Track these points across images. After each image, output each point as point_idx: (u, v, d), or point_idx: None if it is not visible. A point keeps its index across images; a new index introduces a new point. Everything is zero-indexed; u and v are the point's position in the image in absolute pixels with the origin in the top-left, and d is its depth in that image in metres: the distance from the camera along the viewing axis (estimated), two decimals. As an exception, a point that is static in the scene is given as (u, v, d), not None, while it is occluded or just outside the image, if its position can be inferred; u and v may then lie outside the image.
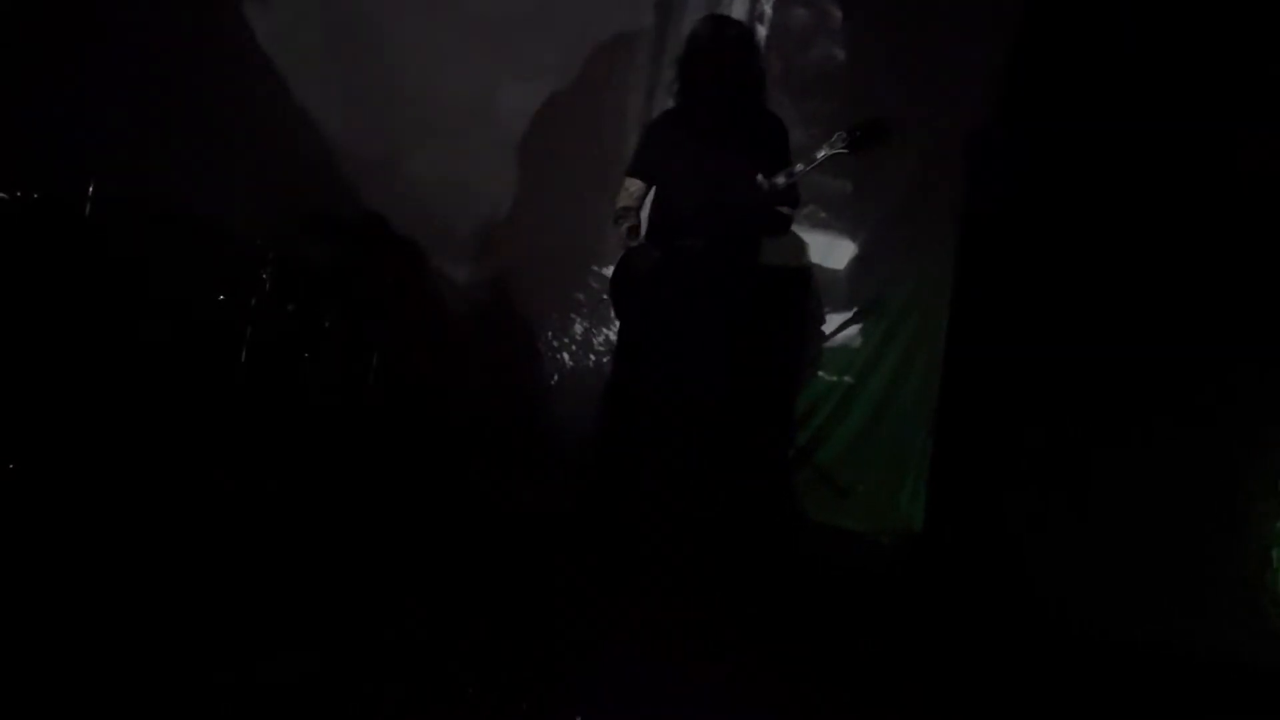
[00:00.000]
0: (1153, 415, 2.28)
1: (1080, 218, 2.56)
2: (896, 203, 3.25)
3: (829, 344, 3.27)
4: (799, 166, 2.18)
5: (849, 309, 3.29)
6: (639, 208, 2.38)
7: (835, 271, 3.32)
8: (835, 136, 2.14)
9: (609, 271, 2.55)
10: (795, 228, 3.32)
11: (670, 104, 2.44)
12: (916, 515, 3.05)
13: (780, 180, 2.16)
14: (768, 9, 3.27)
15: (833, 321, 3.27)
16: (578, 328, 3.16)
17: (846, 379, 3.29)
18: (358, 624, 1.61)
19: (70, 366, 2.30)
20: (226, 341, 2.56)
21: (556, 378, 3.26)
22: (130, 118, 2.78)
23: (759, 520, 2.76)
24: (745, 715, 1.49)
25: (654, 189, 2.37)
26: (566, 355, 3.26)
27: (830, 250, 3.37)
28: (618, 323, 2.57)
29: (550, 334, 3.26)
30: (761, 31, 3.30)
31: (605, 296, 2.59)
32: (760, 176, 2.17)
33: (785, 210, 2.33)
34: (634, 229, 2.34)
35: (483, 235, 3.29)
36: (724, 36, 2.25)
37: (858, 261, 3.33)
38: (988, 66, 2.95)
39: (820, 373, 3.29)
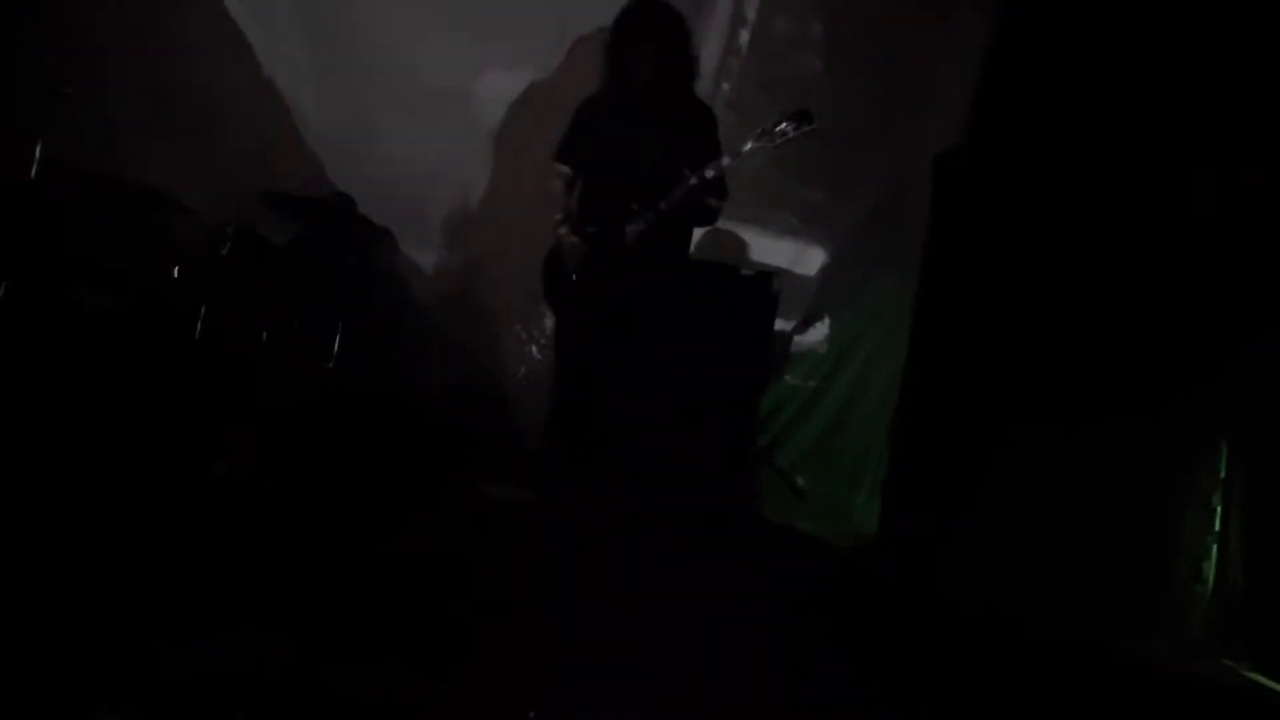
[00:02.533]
0: (1101, 420, 2.35)
1: (1040, 240, 2.64)
2: (867, 214, 3.32)
3: (795, 349, 3.31)
4: (725, 160, 2.18)
5: (817, 315, 3.34)
6: (568, 194, 2.34)
7: (805, 278, 3.37)
8: (760, 131, 2.13)
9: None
10: (766, 233, 3.39)
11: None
12: (870, 520, 3.11)
13: (708, 173, 2.15)
14: (750, 14, 3.30)
15: (799, 327, 3.32)
16: (548, 321, 3.13)
17: (810, 383, 3.34)
18: (315, 608, 1.57)
19: (11, 333, 2.19)
20: (180, 316, 2.47)
21: (524, 370, 3.24)
22: (86, 80, 2.66)
23: (716, 516, 2.77)
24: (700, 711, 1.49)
25: (581, 175, 2.32)
26: (534, 348, 3.24)
27: (800, 256, 3.43)
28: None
29: (519, 326, 3.24)
30: (744, 36, 3.34)
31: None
32: (686, 169, 2.15)
33: (713, 202, 2.30)
34: (566, 218, 2.30)
35: (454, 222, 3.25)
36: (654, 21, 2.22)
37: (827, 269, 3.39)
38: (958, 89, 3.03)
39: (786, 376, 3.34)
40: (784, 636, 1.91)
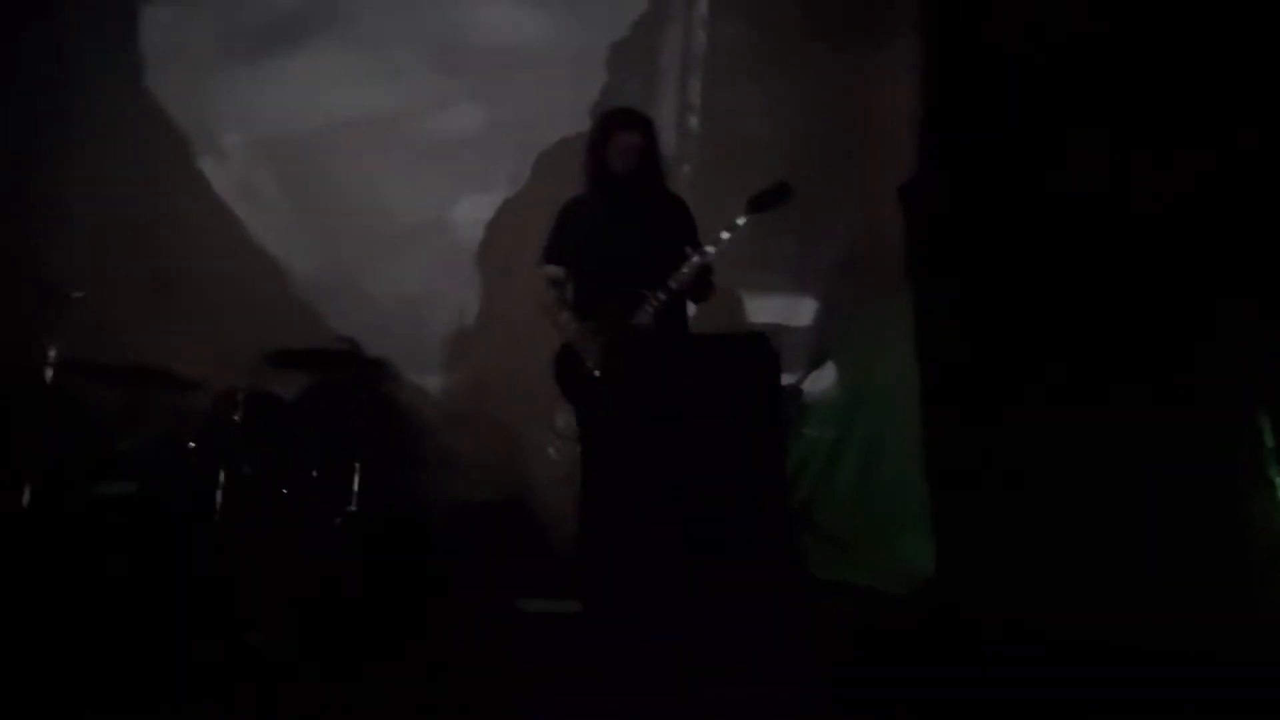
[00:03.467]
0: (1127, 410, 2.30)
1: (1027, 241, 2.67)
2: (842, 254, 3.37)
3: (808, 400, 3.29)
4: (724, 234, 2.26)
5: (819, 364, 3.34)
6: (562, 292, 2.42)
7: (799, 329, 3.39)
8: (748, 204, 2.25)
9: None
10: (755, 294, 3.44)
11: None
12: (923, 561, 2.98)
13: (709, 249, 2.24)
14: (695, 99, 3.50)
15: (804, 378, 3.30)
16: (560, 420, 3.14)
17: (830, 432, 3.29)
18: None
19: (43, 529, 2.22)
20: (201, 487, 2.49)
21: (545, 473, 3.21)
22: (89, 277, 2.82)
23: (766, 587, 2.67)
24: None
25: (574, 274, 2.40)
26: (552, 450, 3.23)
27: (790, 309, 3.46)
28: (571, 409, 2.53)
29: (535, 429, 3.24)
30: (693, 120, 3.52)
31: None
32: (688, 248, 2.26)
33: (711, 279, 2.39)
34: (570, 314, 2.36)
35: (452, 344, 3.33)
36: (632, 118, 2.41)
37: (818, 316, 3.41)
38: (902, 117, 3.14)
39: (805, 430, 3.30)
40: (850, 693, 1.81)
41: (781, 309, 3.43)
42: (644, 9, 3.42)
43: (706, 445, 2.42)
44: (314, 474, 2.69)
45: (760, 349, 2.90)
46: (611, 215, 2.34)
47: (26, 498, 2.29)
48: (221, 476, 2.49)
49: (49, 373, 2.46)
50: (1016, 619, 2.29)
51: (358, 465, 2.73)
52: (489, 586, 2.60)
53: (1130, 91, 2.42)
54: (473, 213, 3.41)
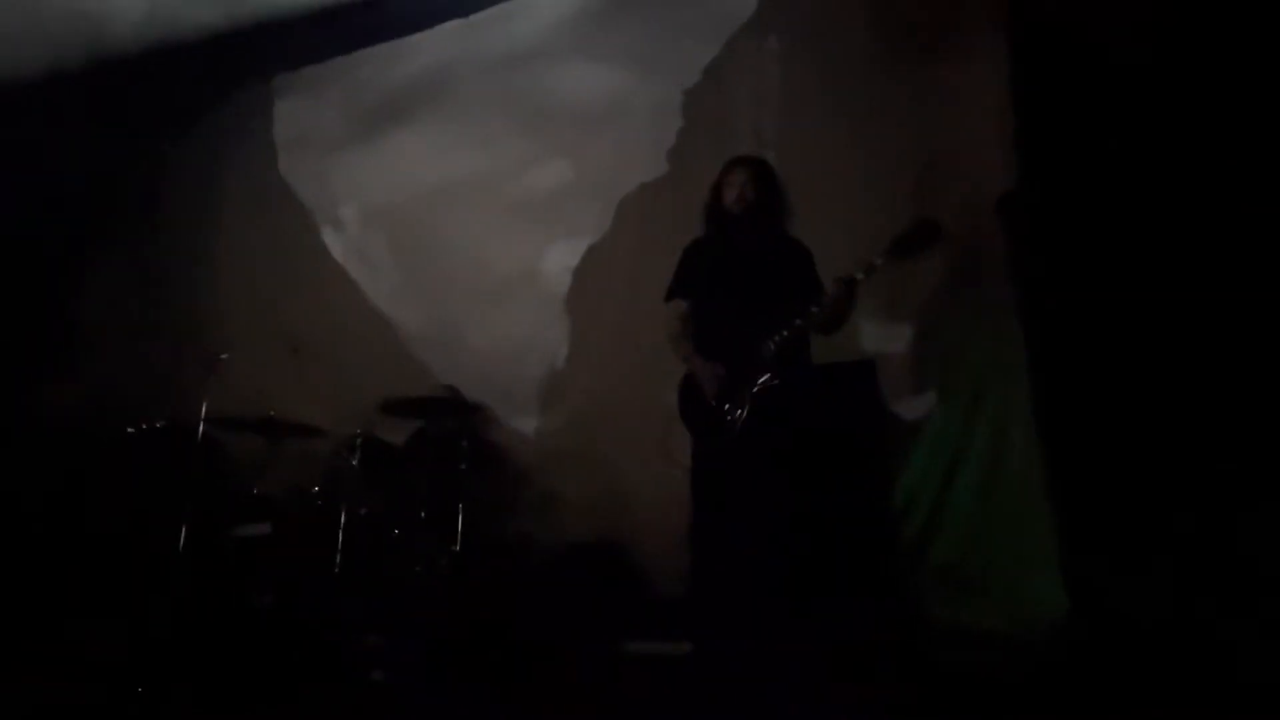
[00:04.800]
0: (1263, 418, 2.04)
1: (1132, 243, 2.48)
2: (943, 275, 3.23)
3: (915, 428, 3.13)
4: (859, 273, 2.27)
5: (921, 390, 3.18)
6: (688, 326, 2.48)
7: (898, 356, 3.26)
8: (891, 243, 2.26)
9: (670, 394, 2.59)
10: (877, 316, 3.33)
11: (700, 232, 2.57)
12: (1054, 601, 2.73)
13: (842, 285, 2.27)
14: (771, 135, 3.52)
15: (908, 406, 3.15)
16: (648, 457, 3.17)
17: (941, 464, 3.10)
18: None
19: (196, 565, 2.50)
20: (324, 527, 2.72)
21: (642, 513, 3.23)
22: (234, 340, 3.18)
23: (879, 634, 2.54)
24: None
25: (695, 308, 2.47)
26: (651, 481, 3.24)
27: (888, 336, 3.34)
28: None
29: (634, 462, 3.26)
30: (770, 156, 3.54)
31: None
32: (830, 283, 2.29)
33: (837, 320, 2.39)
34: (690, 347, 2.42)
35: (545, 387, 3.46)
36: (747, 159, 2.52)
37: (917, 341, 3.26)
38: (1000, 130, 3.01)
39: (912, 460, 3.14)
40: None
41: (877, 336, 3.33)
42: (715, 54, 3.51)
43: (812, 477, 2.39)
44: (422, 515, 2.87)
45: (864, 378, 2.84)
46: (726, 254, 2.43)
47: (183, 538, 2.59)
48: (342, 517, 2.72)
49: (201, 426, 2.80)
50: (1162, 667, 2.06)
51: (461, 506, 2.88)
52: (593, 627, 2.63)
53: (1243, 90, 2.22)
54: (561, 261, 3.57)
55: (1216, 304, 2.23)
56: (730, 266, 2.41)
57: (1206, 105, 2.32)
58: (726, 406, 2.29)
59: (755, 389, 2.27)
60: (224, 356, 2.98)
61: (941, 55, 3.15)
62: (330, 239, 3.95)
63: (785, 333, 2.27)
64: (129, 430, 2.86)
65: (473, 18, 3.97)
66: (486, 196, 3.71)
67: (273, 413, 3.02)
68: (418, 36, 4.02)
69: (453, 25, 3.99)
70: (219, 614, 2.41)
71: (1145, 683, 2.04)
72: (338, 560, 2.66)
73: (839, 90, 3.30)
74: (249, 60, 4.05)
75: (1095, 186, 2.56)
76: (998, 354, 3.04)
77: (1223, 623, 2.04)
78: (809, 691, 1.97)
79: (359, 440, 2.90)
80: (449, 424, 3.10)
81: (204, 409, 2.82)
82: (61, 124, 3.79)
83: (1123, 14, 2.53)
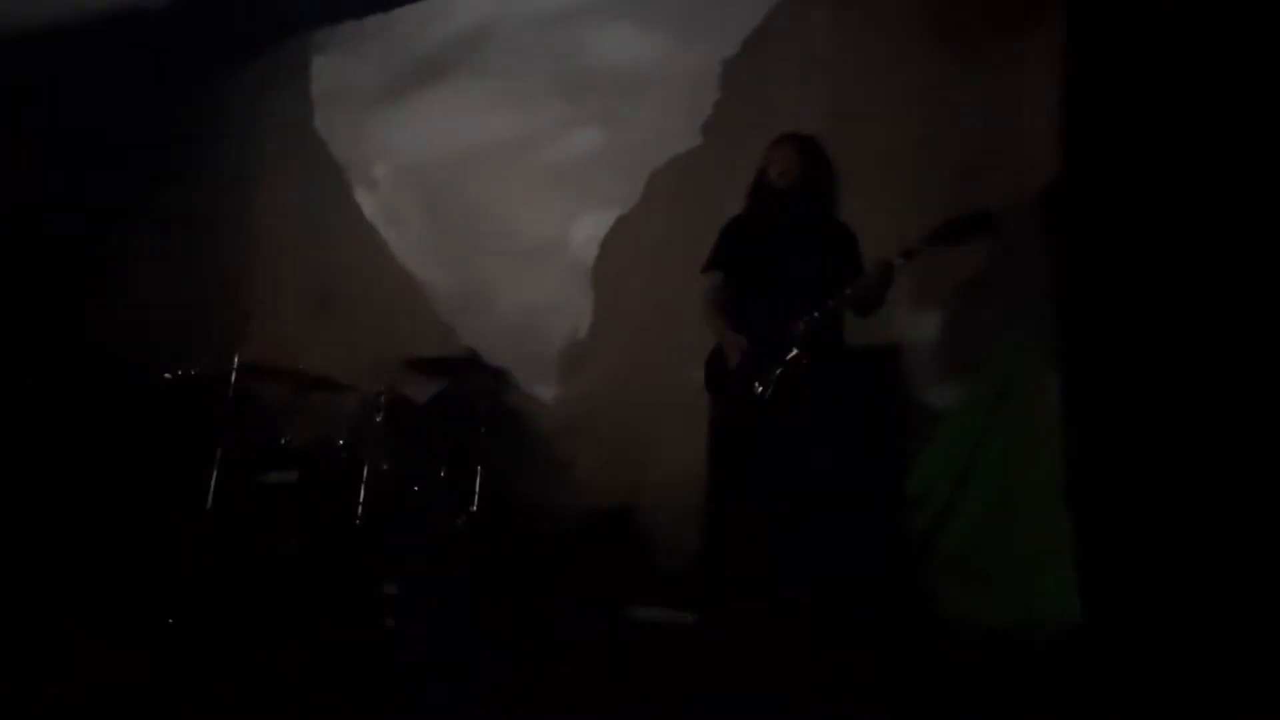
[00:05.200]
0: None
1: (1179, 242, 2.40)
2: (979, 264, 3.16)
3: (936, 417, 3.10)
4: (898, 259, 2.24)
5: (946, 378, 3.14)
6: (722, 298, 2.49)
7: (926, 344, 3.22)
8: (938, 228, 2.25)
9: (691, 370, 2.60)
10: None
11: (742, 209, 2.54)
12: (1070, 602, 2.71)
13: (871, 282, 2.25)
14: (814, 110, 3.42)
15: (932, 393, 3.12)
16: (664, 430, 3.19)
17: (960, 455, 3.08)
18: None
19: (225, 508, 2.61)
20: (348, 479, 2.81)
21: (663, 475, 3.25)
22: (267, 295, 3.25)
23: (881, 622, 2.56)
24: None
25: (731, 282, 2.46)
26: (666, 456, 3.27)
27: (916, 322, 3.29)
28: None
29: (650, 435, 3.29)
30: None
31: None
32: (873, 261, 2.28)
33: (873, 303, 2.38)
34: (722, 320, 2.43)
35: (567, 356, 3.49)
36: (795, 136, 2.46)
37: (947, 329, 3.21)
38: (1050, 118, 2.92)
39: (930, 448, 3.11)
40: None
41: (905, 321, 3.28)
42: (756, 24, 3.43)
43: (830, 458, 2.40)
44: (441, 473, 2.95)
45: (886, 363, 2.82)
46: (766, 230, 2.41)
47: (214, 482, 2.70)
48: (365, 471, 2.80)
49: (234, 376, 2.89)
50: (1174, 675, 2.05)
51: (479, 468, 2.95)
52: (601, 592, 2.69)
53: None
54: (590, 230, 3.56)
55: (1261, 307, 2.16)
56: (769, 243, 2.39)
57: (1265, 103, 2.22)
58: (753, 382, 2.30)
59: (782, 367, 2.27)
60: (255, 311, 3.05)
61: (996, 36, 3.04)
62: (362, 197, 3.98)
63: (817, 314, 2.26)
64: (165, 375, 2.95)
65: (510, -23, 3.92)
66: (519, 160, 3.69)
67: (302, 365, 3.10)
68: (455, -5, 3.98)
69: (490, -16, 3.94)
70: (244, 556, 2.52)
71: (1155, 689, 2.04)
72: (359, 512, 2.75)
73: (886, 67, 3.21)
74: (289, 13, 4.05)
75: (1146, 182, 2.47)
76: (1030, 348, 2.99)
77: (1240, 630, 2.02)
78: (811, 668, 2.01)
79: (383, 397, 2.97)
80: (470, 386, 3.15)
81: (236, 359, 2.90)
82: (104, 70, 3.84)
83: (1184, 5, 2.41)
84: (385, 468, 2.90)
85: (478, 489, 2.92)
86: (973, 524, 2.92)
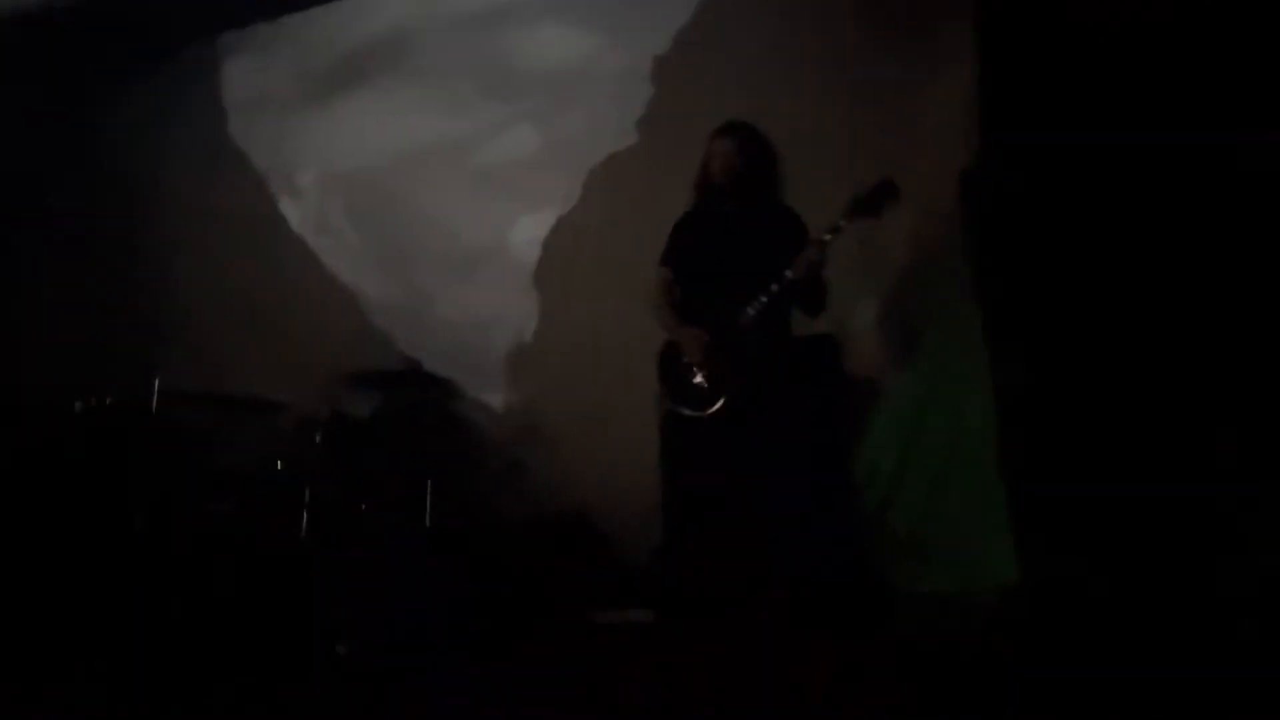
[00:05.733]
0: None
1: (1086, 224, 2.54)
2: (909, 250, 3.26)
3: (876, 403, 3.20)
4: (827, 235, 2.28)
5: (884, 362, 3.24)
6: (673, 293, 2.50)
7: (862, 330, 3.31)
8: (851, 204, 2.28)
9: (639, 367, 2.59)
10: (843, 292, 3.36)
11: (690, 206, 2.56)
12: (1006, 566, 2.85)
13: (814, 252, 2.27)
14: (741, 104, 3.48)
15: (875, 380, 3.21)
16: (615, 430, 3.18)
17: (900, 435, 3.19)
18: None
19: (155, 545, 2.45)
20: (289, 505, 2.68)
21: (608, 484, 3.25)
22: (185, 312, 3.06)
23: (841, 595, 2.62)
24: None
25: (679, 280, 2.48)
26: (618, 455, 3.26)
27: (853, 309, 3.38)
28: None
29: (601, 435, 3.27)
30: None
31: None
32: (797, 251, 2.30)
33: (817, 289, 2.41)
34: (672, 315, 2.45)
35: (514, 360, 3.43)
36: (734, 126, 2.47)
37: (881, 313, 3.31)
38: (961, 96, 3.02)
39: (873, 432, 3.21)
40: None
41: (842, 309, 3.37)
42: (684, 21, 3.44)
43: (775, 449, 2.43)
44: (390, 491, 2.84)
45: (824, 351, 2.88)
46: (713, 224, 2.42)
47: (139, 517, 2.52)
48: (306, 494, 2.67)
49: (154, 401, 2.71)
50: (1106, 629, 2.16)
51: (429, 482, 2.86)
52: (561, 598, 2.66)
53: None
54: (530, 232, 3.51)
55: (1176, 281, 2.30)
56: (716, 236, 2.40)
57: (1175, 84, 2.36)
58: (707, 373, 2.31)
59: (735, 359, 2.29)
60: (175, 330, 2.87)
61: (916, 22, 3.14)
62: (288, 206, 3.80)
63: (763, 299, 2.28)
64: (76, 406, 2.74)
65: (434, -24, 3.82)
66: (452, 164, 3.61)
67: (230, 387, 2.94)
68: (376, -6, 3.85)
69: (413, -17, 3.83)
70: (182, 592, 2.36)
71: (1091, 649, 2.14)
72: (302, 537, 2.62)
73: (810, 58, 3.28)
74: (196, 16, 3.83)
75: (1058, 165, 2.60)
76: (957, 327, 3.12)
77: (1168, 594, 2.14)
78: (775, 658, 2.03)
79: (322, 416, 2.85)
80: (414, 398, 3.06)
81: (156, 384, 2.72)
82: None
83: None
84: (329, 489, 2.77)
85: (429, 504, 2.84)
86: (916, 502, 3.03)
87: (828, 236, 2.29)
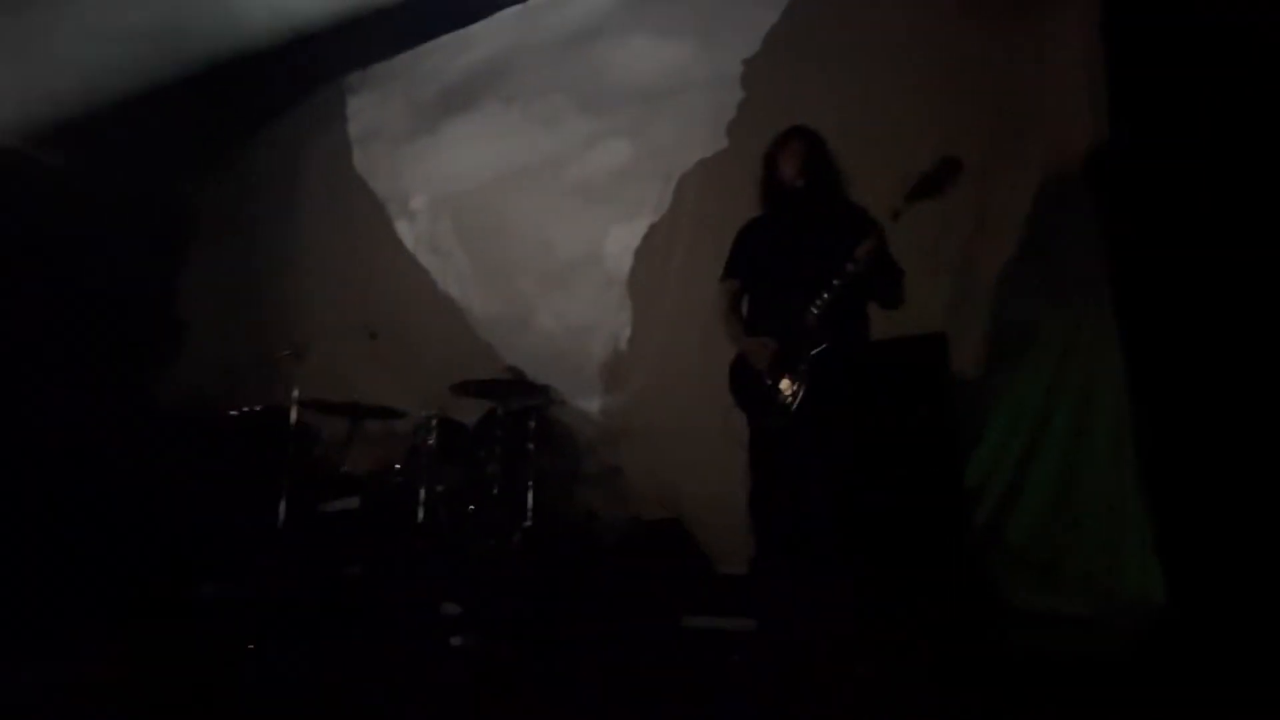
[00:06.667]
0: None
1: (1224, 206, 2.26)
2: (1023, 239, 3.04)
3: (990, 406, 2.99)
4: (890, 222, 2.19)
5: (999, 363, 3.03)
6: (739, 305, 2.48)
7: (974, 329, 3.11)
8: (912, 187, 2.16)
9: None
10: (918, 288, 3.19)
11: (758, 211, 2.54)
12: (1153, 585, 2.56)
13: (859, 257, 2.18)
14: (842, 94, 3.36)
15: (984, 380, 3.01)
16: (709, 436, 3.17)
17: (1018, 440, 2.96)
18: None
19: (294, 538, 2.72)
20: (406, 503, 2.89)
21: (702, 488, 3.24)
22: (320, 330, 3.38)
23: (950, 621, 2.46)
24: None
25: (747, 291, 2.46)
26: (711, 460, 3.24)
27: (959, 308, 3.19)
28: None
29: (696, 440, 3.27)
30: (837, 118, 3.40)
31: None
32: (858, 248, 2.22)
33: (890, 280, 2.31)
34: (741, 325, 2.42)
35: (609, 367, 3.52)
36: (799, 131, 2.44)
37: (995, 313, 3.11)
38: (1089, 80, 2.79)
39: (986, 437, 3.00)
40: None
41: (948, 308, 3.18)
42: (773, 20, 3.41)
43: (876, 456, 2.34)
44: (494, 491, 3.00)
45: (932, 352, 2.73)
46: (783, 230, 2.40)
47: (282, 513, 2.81)
48: (421, 493, 2.88)
49: (293, 410, 3.02)
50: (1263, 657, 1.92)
51: (531, 483, 2.99)
52: (656, 601, 2.68)
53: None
54: (624, 241, 3.59)
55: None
56: (785, 242, 2.36)
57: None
58: (782, 382, 2.26)
59: (807, 363, 2.24)
60: (298, 348, 3.17)
61: (1021, 6, 2.94)
62: (403, 230, 4.12)
63: (825, 295, 2.21)
64: (230, 413, 3.11)
65: (530, 2, 4.01)
66: (549, 180, 3.77)
67: (356, 396, 3.22)
68: (478, 26, 4.10)
69: (511, 11, 4.04)
70: (313, 582, 2.62)
71: (1243, 669, 1.91)
72: (418, 533, 2.83)
73: (913, 44, 3.14)
74: (323, 62, 4.24)
75: (1192, 140, 2.34)
76: (1084, 322, 2.86)
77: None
78: (873, 669, 1.95)
79: (434, 421, 3.05)
80: (517, 404, 3.20)
81: (295, 394, 3.03)
82: (150, 134, 4.07)
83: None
84: (440, 489, 2.97)
85: (530, 504, 2.97)
86: (1038, 511, 2.80)
87: (890, 223, 2.18)
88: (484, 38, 4.10)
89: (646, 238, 3.52)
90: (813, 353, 2.24)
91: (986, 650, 2.30)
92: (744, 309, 2.46)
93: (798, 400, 2.24)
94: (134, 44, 3.43)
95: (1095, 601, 2.60)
